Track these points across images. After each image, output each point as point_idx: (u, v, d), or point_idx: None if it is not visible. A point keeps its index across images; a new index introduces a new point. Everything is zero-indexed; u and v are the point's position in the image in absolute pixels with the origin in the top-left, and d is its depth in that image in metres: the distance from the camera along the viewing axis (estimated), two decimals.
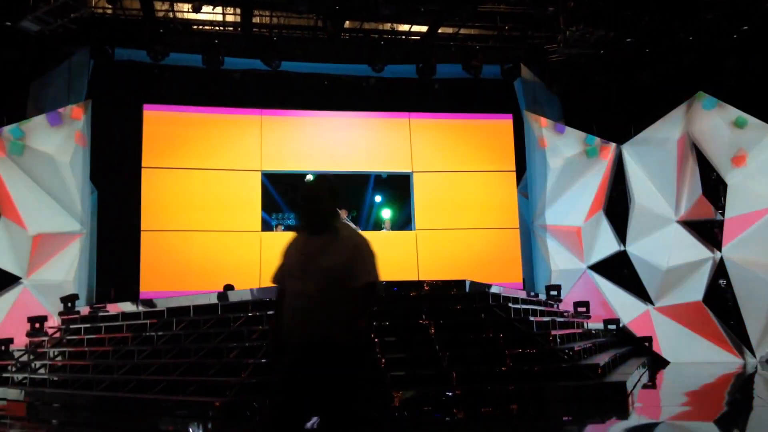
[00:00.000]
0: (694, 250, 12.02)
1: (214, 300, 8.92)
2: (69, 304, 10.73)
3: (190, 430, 6.19)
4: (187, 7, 12.31)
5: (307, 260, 3.19)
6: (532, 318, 8.86)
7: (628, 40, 12.53)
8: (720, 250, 11.84)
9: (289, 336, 3.17)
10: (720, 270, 11.83)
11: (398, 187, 14.61)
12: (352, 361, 3.09)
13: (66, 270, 11.43)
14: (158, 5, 12.22)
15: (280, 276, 3.36)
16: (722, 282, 11.80)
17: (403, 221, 14.39)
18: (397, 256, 13.28)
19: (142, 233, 12.60)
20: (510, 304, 8.75)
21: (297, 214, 3.36)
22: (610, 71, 13.34)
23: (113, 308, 10.10)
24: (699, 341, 11.70)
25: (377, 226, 14.54)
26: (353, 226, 13.41)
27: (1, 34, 10.94)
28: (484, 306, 8.36)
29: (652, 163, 12.57)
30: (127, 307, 10.03)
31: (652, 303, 12.28)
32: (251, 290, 8.91)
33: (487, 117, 14.38)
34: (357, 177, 14.61)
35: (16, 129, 11.21)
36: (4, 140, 11.12)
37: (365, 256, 3.23)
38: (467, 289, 8.71)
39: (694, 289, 11.91)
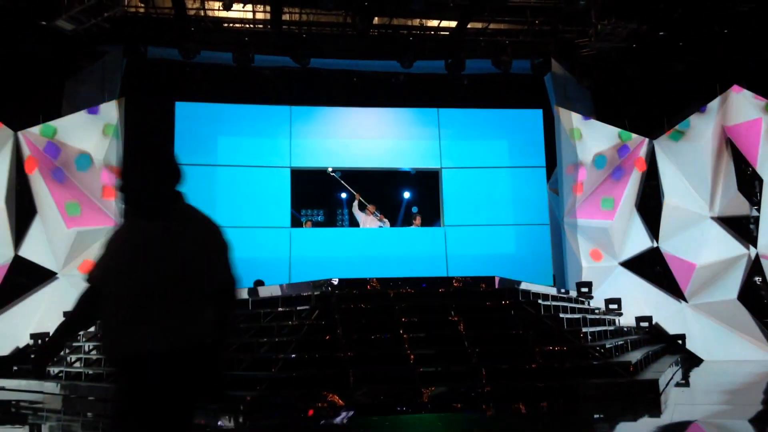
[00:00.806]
0: (728, 246, 11.80)
1: (244, 296, 9.00)
2: None
3: (222, 423, 6.27)
4: (217, 5, 12.44)
5: (134, 253, 2.40)
6: (562, 315, 8.79)
7: (661, 33, 12.35)
8: (756, 247, 11.63)
9: (110, 353, 2.45)
10: (756, 267, 11.61)
11: (427, 183, 14.58)
12: (194, 384, 2.38)
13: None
14: (189, 3, 12.36)
15: (98, 273, 2.50)
16: (758, 279, 11.58)
17: (432, 217, 14.37)
18: (426, 252, 13.29)
19: None
20: (540, 301, 8.68)
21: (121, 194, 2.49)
22: (643, 65, 13.16)
23: None
24: (734, 339, 11.49)
25: (407, 221, 14.55)
26: (380, 220, 13.44)
27: (37, 33, 11.16)
28: (513, 302, 8.31)
29: (686, 158, 12.37)
30: None
31: (685, 300, 12.10)
32: (281, 286, 8.98)
33: (516, 112, 14.29)
34: (386, 173, 14.62)
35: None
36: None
37: (218, 247, 2.48)
38: (496, 286, 8.68)
39: (729, 287, 11.70)
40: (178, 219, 2.46)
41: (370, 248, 13.18)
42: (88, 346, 9.73)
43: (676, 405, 7.04)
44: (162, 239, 2.40)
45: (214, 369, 2.43)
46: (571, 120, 13.00)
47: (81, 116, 11.72)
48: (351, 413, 6.22)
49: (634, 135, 12.82)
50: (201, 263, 2.39)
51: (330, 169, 13.58)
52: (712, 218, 12.09)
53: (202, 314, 2.39)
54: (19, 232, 11.17)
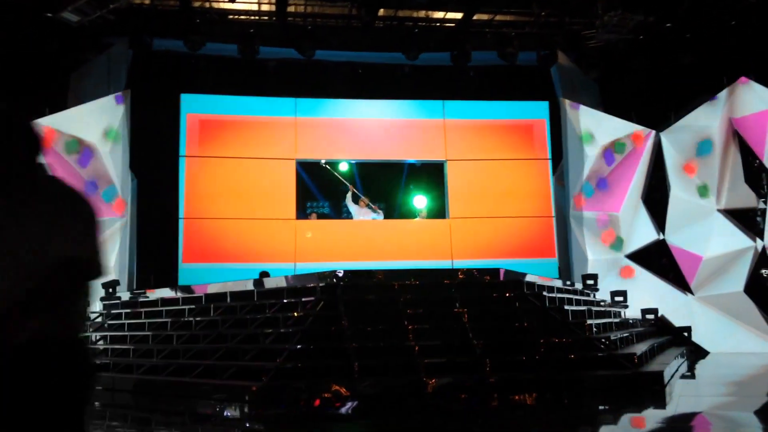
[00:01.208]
0: (735, 239, 11.77)
1: (250, 287, 9.03)
2: (110, 290, 10.96)
3: (228, 413, 6.30)
4: None
5: None
6: (567, 307, 8.79)
7: (668, 24, 12.29)
8: (762, 239, 11.59)
9: None
10: (762, 259, 11.57)
11: (432, 176, 14.57)
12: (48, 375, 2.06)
13: (107, 256, 11.67)
14: None
15: None
16: (764, 272, 11.55)
17: (437, 209, 14.37)
18: (431, 244, 13.30)
19: (180, 220, 12.82)
20: (545, 293, 8.68)
21: None
22: (650, 57, 13.10)
23: (153, 294, 10.29)
24: (740, 331, 11.47)
25: (411, 214, 14.55)
26: (374, 211, 13.41)
27: (42, 26, 11.17)
28: (518, 294, 8.31)
29: (693, 150, 12.32)
30: (167, 293, 10.22)
31: (691, 293, 12.08)
32: (286, 277, 9.01)
33: (522, 104, 14.26)
34: (391, 165, 14.62)
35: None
36: None
37: (69, 219, 2.14)
38: (501, 278, 8.68)
39: (736, 279, 11.67)
40: (31, 190, 2.16)
41: (375, 240, 13.19)
42: (96, 336, 9.80)
43: (680, 397, 7.03)
44: (11, 214, 2.10)
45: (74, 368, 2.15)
46: (578, 112, 12.96)
47: (85, 108, 11.73)
48: (355, 404, 6.24)
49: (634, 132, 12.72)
50: (50, 235, 2.09)
51: (323, 161, 13.58)
52: (719, 210, 12.06)
53: (67, 302, 2.14)
54: None
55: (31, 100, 11.51)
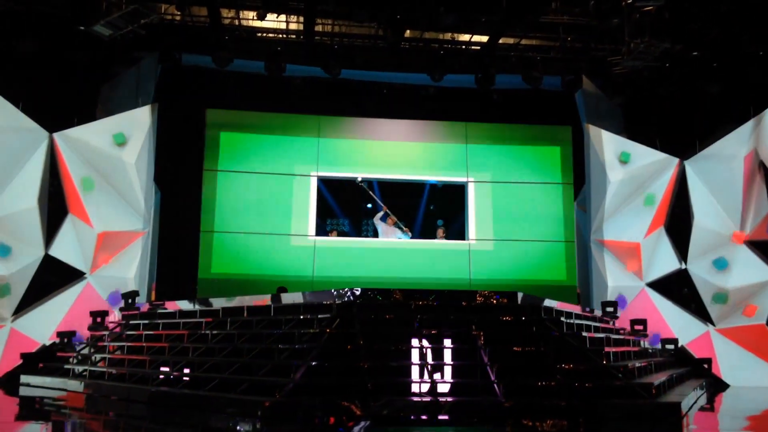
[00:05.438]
0: (758, 271, 11.60)
1: (267, 302, 9.05)
2: (129, 301, 11.06)
3: (240, 428, 6.30)
4: (252, 14, 12.59)
5: None
6: (585, 333, 8.71)
7: (695, 53, 12.24)
8: None
9: None
10: None
11: (453, 197, 14.56)
12: None
13: (128, 267, 11.79)
14: (224, 12, 12.53)
15: None
16: None
17: (457, 231, 14.34)
18: (449, 264, 13.27)
19: (201, 234, 12.92)
20: (563, 319, 8.61)
21: None
22: (676, 84, 13.05)
23: (171, 306, 10.36)
24: (762, 365, 11.29)
25: (432, 234, 14.52)
26: (404, 232, 13.42)
27: (75, 38, 11.41)
28: (535, 319, 8.24)
29: (717, 180, 12.21)
30: (185, 305, 10.27)
31: (713, 324, 11.91)
32: (303, 293, 9.01)
33: (545, 128, 14.25)
34: (412, 185, 14.65)
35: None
36: None
37: None
38: (519, 302, 8.61)
39: (758, 312, 11.50)
40: None
41: (394, 259, 13.20)
42: (113, 346, 9.87)
43: (698, 429, 6.91)
44: None
45: None
46: (601, 138, 12.88)
47: (112, 120, 11.90)
48: (368, 423, 6.22)
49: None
50: None
51: (359, 179, 13.64)
52: (743, 242, 11.90)
53: None
54: (50, 231, 11.36)
55: (61, 110, 11.73)
